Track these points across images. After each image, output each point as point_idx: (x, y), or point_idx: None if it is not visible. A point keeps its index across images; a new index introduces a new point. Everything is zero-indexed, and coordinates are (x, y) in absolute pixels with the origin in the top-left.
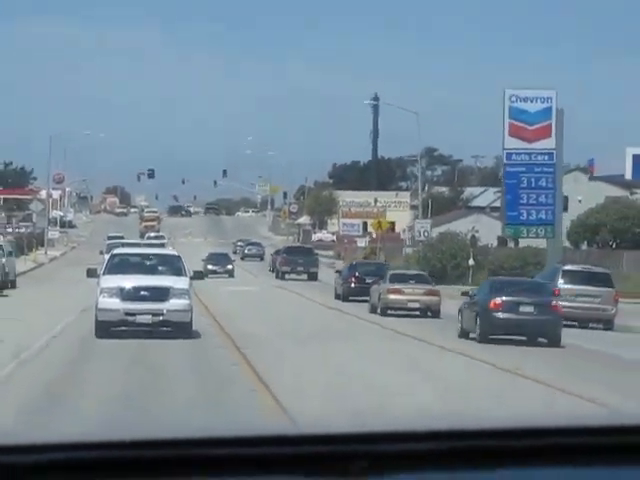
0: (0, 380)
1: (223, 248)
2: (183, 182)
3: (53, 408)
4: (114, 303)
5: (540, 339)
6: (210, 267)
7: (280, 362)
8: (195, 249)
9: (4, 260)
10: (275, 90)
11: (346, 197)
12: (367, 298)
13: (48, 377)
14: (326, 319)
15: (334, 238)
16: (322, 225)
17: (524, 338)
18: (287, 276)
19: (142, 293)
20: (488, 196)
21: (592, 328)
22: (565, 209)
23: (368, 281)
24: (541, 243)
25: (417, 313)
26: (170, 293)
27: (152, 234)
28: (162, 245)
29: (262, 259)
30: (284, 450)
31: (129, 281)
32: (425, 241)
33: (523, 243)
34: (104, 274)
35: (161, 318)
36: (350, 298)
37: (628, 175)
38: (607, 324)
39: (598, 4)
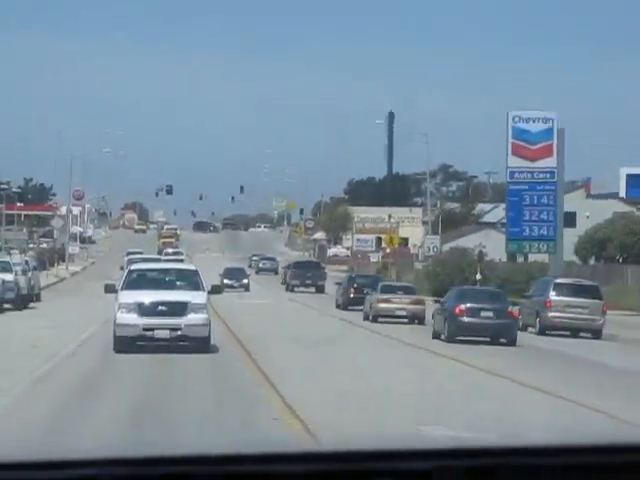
0: (39, 377)
1: (240, 263)
2: (201, 198)
3: (81, 402)
4: (132, 318)
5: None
6: (226, 281)
7: (286, 360)
8: (213, 264)
9: (30, 274)
10: (292, 105)
11: (361, 213)
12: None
13: (76, 378)
14: (326, 325)
15: (348, 253)
16: (337, 240)
17: (488, 339)
18: (296, 289)
19: (160, 308)
20: (498, 212)
21: (582, 337)
22: (573, 225)
23: (365, 292)
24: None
25: (405, 320)
26: (188, 308)
27: (170, 250)
28: (180, 261)
29: (276, 273)
30: (307, 467)
31: (147, 296)
32: (434, 256)
33: (531, 258)
34: (122, 289)
35: (179, 333)
36: (349, 307)
37: (622, 193)
38: (595, 333)
39: (599, 19)
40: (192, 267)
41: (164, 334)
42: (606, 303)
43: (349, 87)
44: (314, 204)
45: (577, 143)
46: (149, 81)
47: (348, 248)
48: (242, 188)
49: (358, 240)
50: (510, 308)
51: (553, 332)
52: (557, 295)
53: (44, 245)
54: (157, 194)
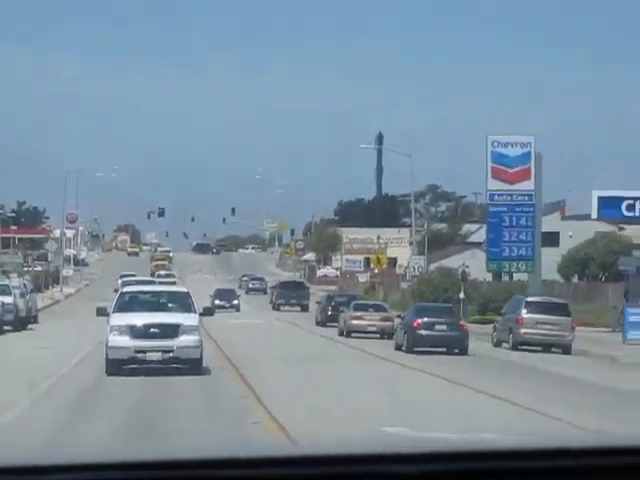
0: (42, 392)
1: (231, 284)
2: (193, 219)
3: (80, 413)
4: (124, 341)
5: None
6: (217, 302)
7: (271, 374)
8: (204, 285)
9: (28, 297)
10: (284, 124)
11: (350, 234)
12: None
13: (73, 394)
14: (306, 340)
15: (338, 273)
16: (327, 261)
17: (443, 349)
18: (282, 307)
19: (152, 330)
20: (484, 232)
21: (553, 352)
22: (556, 244)
23: (341, 309)
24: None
25: (376, 335)
26: (180, 330)
27: (162, 272)
28: (172, 283)
29: (265, 293)
30: (291, 471)
31: (139, 319)
32: (419, 276)
33: (515, 277)
34: (114, 312)
35: (171, 355)
36: (327, 324)
37: (594, 215)
38: (565, 349)
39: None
40: (184, 289)
41: (156, 356)
42: (586, 321)
43: (340, 109)
44: (305, 225)
45: (553, 167)
46: (143, 104)
47: (337, 268)
48: (233, 210)
49: (347, 261)
50: (462, 322)
51: (526, 347)
52: (528, 312)
53: (38, 268)
54: (149, 216)
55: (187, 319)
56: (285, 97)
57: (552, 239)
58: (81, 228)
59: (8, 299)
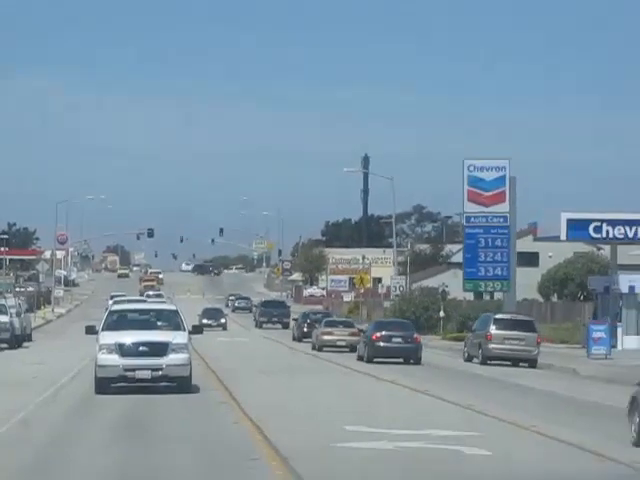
0: (46, 400)
1: (219, 303)
2: (181, 240)
3: (79, 415)
4: (113, 359)
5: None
6: (205, 321)
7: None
8: (193, 305)
9: (22, 316)
10: (271, 147)
11: (336, 254)
12: None
13: (73, 400)
14: (283, 354)
15: (324, 293)
16: (313, 281)
17: (400, 359)
18: (264, 325)
19: (141, 349)
20: None
21: (521, 367)
22: (536, 264)
23: (316, 326)
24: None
25: (346, 349)
26: (169, 348)
27: (151, 292)
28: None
29: (250, 311)
30: None
31: (128, 337)
32: (400, 295)
33: (497, 296)
34: (103, 330)
35: (160, 373)
36: (303, 339)
37: (563, 237)
38: (531, 363)
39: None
40: (173, 307)
41: (145, 374)
42: (562, 338)
43: (325, 131)
44: (293, 245)
45: (526, 190)
46: (132, 128)
47: (323, 288)
48: (221, 231)
49: (332, 280)
50: (415, 335)
51: (496, 362)
52: (497, 329)
53: (30, 288)
54: (138, 237)
55: (176, 337)
56: (272, 127)
57: (532, 259)
58: (71, 249)
59: (5, 318)
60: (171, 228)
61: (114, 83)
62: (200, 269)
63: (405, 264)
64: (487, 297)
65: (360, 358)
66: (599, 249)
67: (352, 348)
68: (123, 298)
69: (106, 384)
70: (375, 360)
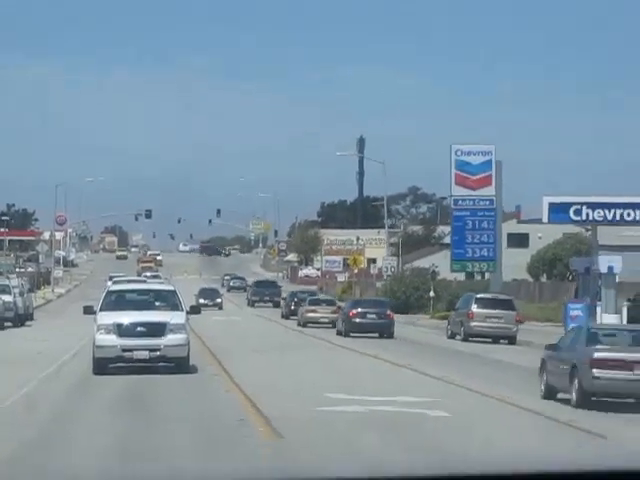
0: (51, 372)
1: (215, 284)
2: (179, 221)
3: (83, 386)
4: (111, 340)
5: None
6: (201, 301)
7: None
8: (190, 285)
9: (25, 296)
10: (268, 130)
11: (332, 235)
12: None
13: (75, 374)
14: (273, 329)
15: (319, 274)
16: (308, 262)
17: (375, 334)
18: (256, 304)
19: (139, 329)
20: None
21: (501, 344)
22: (526, 245)
23: (301, 304)
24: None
25: (328, 325)
26: (167, 328)
27: (148, 274)
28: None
29: (245, 290)
30: None
31: (126, 317)
32: (392, 275)
33: (488, 276)
34: (101, 310)
35: (158, 353)
36: (290, 317)
37: (545, 219)
38: (511, 340)
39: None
40: (170, 287)
41: (143, 355)
42: (548, 317)
43: (324, 115)
44: (290, 226)
45: (511, 175)
46: (129, 109)
47: (318, 269)
48: (219, 211)
49: (327, 261)
50: (388, 312)
51: (477, 339)
52: (478, 308)
53: (30, 269)
54: (137, 218)
55: (174, 317)
56: (269, 106)
57: (522, 240)
58: (70, 230)
59: (8, 298)
60: (169, 209)
61: (114, 68)
62: (208, 250)
63: (398, 245)
64: (479, 277)
65: (339, 333)
66: (588, 230)
67: (334, 324)
68: (123, 278)
69: (104, 364)
70: (352, 335)
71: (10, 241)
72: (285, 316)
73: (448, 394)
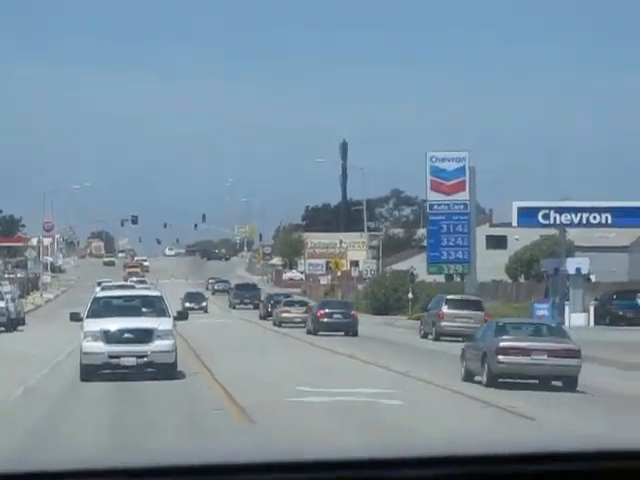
0: (47, 372)
1: (200, 287)
2: (165, 226)
3: (77, 384)
4: (98, 347)
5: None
6: (187, 305)
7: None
8: (177, 289)
9: (17, 302)
10: (253, 133)
11: (315, 238)
12: None
13: (70, 373)
14: (252, 330)
15: (303, 277)
16: (292, 265)
17: (340, 332)
18: (237, 306)
19: (126, 335)
20: None
21: None
22: (504, 247)
23: (277, 306)
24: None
25: (301, 325)
26: (154, 334)
27: (134, 279)
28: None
29: (229, 293)
30: (299, 476)
31: (112, 324)
32: (372, 278)
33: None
34: (87, 317)
35: (145, 360)
36: (267, 318)
37: (514, 223)
38: None
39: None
40: (157, 293)
41: (130, 361)
42: (518, 316)
43: (309, 115)
44: (275, 230)
45: (483, 180)
46: (114, 113)
47: (302, 272)
48: (204, 216)
49: (310, 264)
50: (352, 312)
51: (447, 338)
52: (448, 308)
53: (19, 275)
54: (122, 224)
55: (161, 323)
56: (253, 108)
57: (500, 242)
58: (57, 236)
59: (1, 303)
60: (155, 213)
61: (94, 63)
62: (206, 254)
63: (379, 248)
64: (458, 279)
65: (309, 332)
66: (564, 232)
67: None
68: (111, 284)
69: (91, 371)
70: (320, 333)
71: None
72: (263, 317)
73: (406, 386)
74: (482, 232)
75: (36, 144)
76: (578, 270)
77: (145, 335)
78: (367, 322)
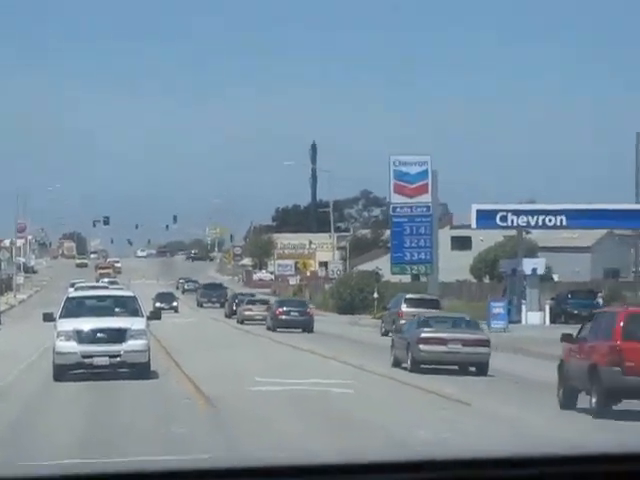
0: (25, 368)
1: (171, 288)
2: (137, 227)
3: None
4: (71, 346)
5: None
6: (158, 305)
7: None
8: (148, 289)
9: None
10: (223, 134)
11: (284, 240)
12: None
13: (47, 368)
14: (219, 328)
15: (272, 277)
16: (262, 266)
17: (298, 329)
18: (204, 305)
19: (99, 335)
20: None
21: None
22: (469, 247)
23: (241, 304)
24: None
25: (263, 322)
26: (127, 334)
27: (106, 280)
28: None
29: (197, 292)
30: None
31: (85, 323)
32: (338, 278)
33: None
34: (60, 317)
35: (118, 359)
36: (232, 316)
37: (473, 225)
38: None
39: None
40: (130, 293)
41: (103, 361)
42: (480, 315)
43: (280, 116)
44: (246, 231)
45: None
46: (86, 116)
47: (272, 272)
48: (175, 218)
49: (279, 265)
50: (308, 310)
51: None
52: (407, 307)
53: None
54: (94, 224)
55: (134, 323)
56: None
57: (465, 243)
58: (29, 237)
59: None
60: (126, 214)
61: (70, 68)
62: (196, 257)
63: (346, 249)
64: (424, 279)
65: (268, 328)
66: (527, 233)
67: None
68: (85, 284)
69: (64, 371)
70: (278, 330)
71: None
72: (228, 315)
73: (358, 377)
74: (447, 234)
75: (6, 145)
76: (534, 270)
77: (118, 335)
78: (333, 321)
